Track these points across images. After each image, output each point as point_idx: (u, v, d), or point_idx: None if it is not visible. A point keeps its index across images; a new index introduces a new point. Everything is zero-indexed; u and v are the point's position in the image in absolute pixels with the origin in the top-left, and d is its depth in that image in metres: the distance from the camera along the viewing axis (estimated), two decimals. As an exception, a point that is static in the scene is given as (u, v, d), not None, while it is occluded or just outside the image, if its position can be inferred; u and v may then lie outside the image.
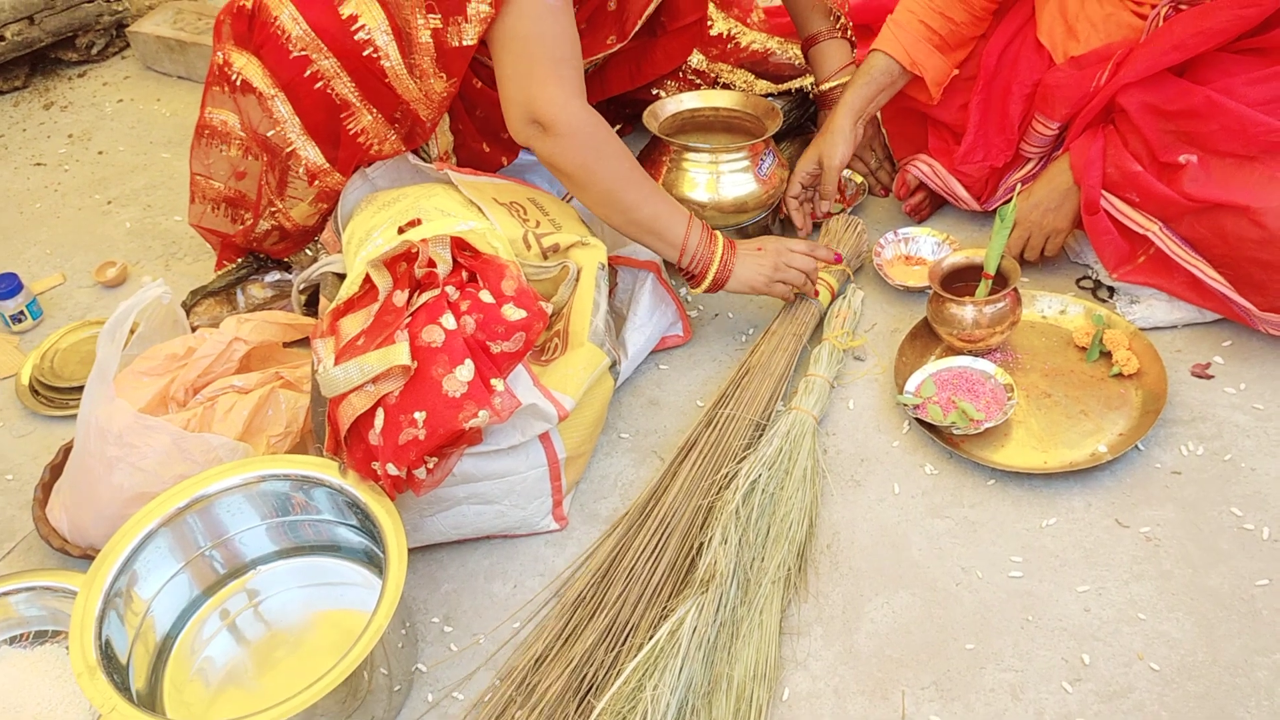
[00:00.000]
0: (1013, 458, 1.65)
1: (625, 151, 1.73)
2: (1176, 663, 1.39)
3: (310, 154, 1.86)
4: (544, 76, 1.66)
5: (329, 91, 1.79)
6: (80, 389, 1.91)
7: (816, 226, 2.15)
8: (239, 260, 2.07)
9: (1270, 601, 1.44)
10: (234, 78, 1.86)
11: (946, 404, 1.71)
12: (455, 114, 1.94)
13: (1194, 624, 1.43)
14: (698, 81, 2.26)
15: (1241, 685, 1.36)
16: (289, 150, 1.85)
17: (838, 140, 1.97)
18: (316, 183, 1.87)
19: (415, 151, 1.93)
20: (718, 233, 1.79)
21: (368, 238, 1.70)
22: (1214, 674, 1.37)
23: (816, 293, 1.89)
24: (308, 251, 2.03)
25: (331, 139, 1.85)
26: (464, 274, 1.55)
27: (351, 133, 1.83)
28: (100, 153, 2.74)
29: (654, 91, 2.25)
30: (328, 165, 1.87)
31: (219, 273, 2.07)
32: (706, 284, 1.79)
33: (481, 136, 2.01)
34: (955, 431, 1.68)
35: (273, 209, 1.93)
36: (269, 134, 1.85)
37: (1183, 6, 1.77)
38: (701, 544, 1.54)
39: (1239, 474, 1.60)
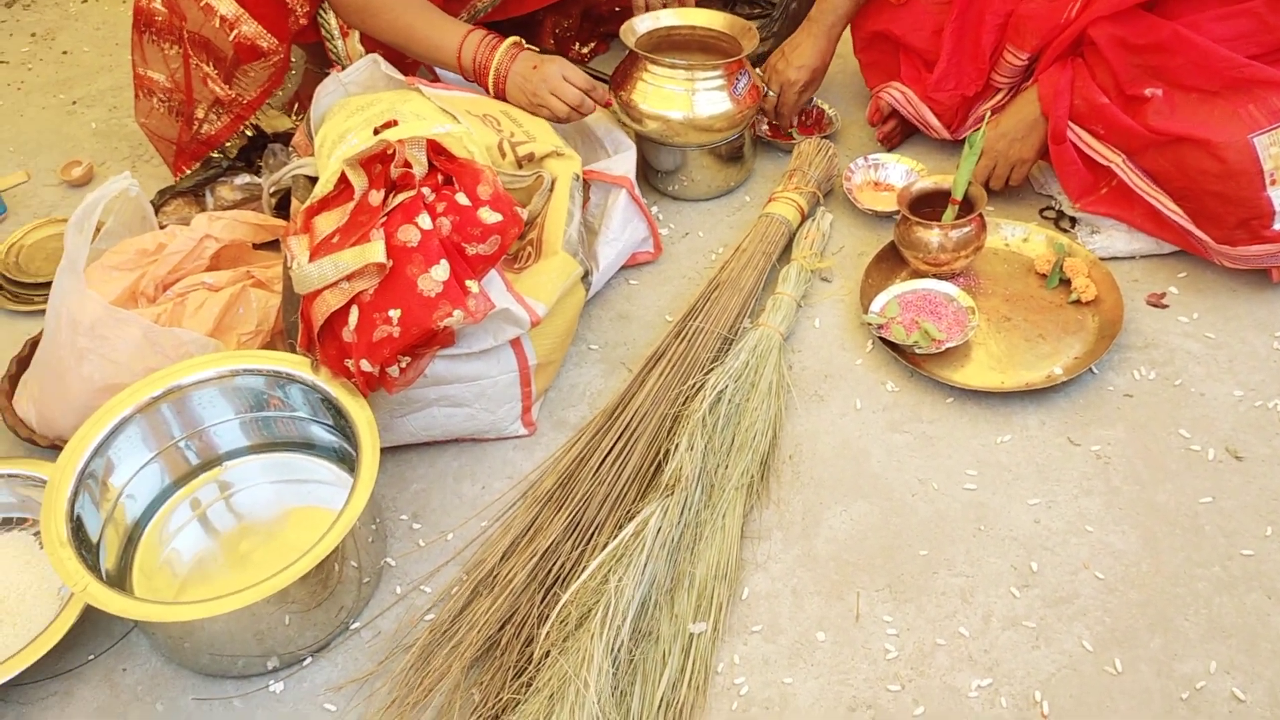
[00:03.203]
0: (971, 377, 1.69)
1: (391, 6, 1.85)
2: (1121, 573, 1.45)
3: (224, 6, 1.90)
4: None
5: None
6: (46, 285, 1.90)
7: (788, 151, 2.17)
8: (195, 165, 2.06)
9: (1213, 518, 1.50)
10: None
11: (910, 324, 1.75)
12: None
13: (1139, 537, 1.48)
14: None
15: (1182, 595, 1.42)
16: (204, 4, 1.89)
17: (818, 63, 2.08)
18: (235, 34, 1.90)
19: (319, 37, 2.02)
20: (500, 51, 1.83)
21: (342, 139, 1.69)
22: (1156, 584, 1.43)
23: (586, 113, 1.90)
24: (278, 155, 2.02)
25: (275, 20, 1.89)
26: (439, 177, 1.55)
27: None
28: (65, 52, 2.70)
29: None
30: (243, 11, 1.91)
31: (187, 173, 2.06)
32: (490, 89, 1.87)
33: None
34: (917, 351, 1.72)
35: (203, 76, 1.96)
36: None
37: (1156, -58, 1.80)
38: (667, 450, 1.57)
39: (1188, 398, 1.66)
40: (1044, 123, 1.89)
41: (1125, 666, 1.35)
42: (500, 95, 1.87)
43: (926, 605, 1.43)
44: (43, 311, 1.78)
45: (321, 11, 1.99)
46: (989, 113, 1.97)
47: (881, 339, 1.74)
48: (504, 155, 1.76)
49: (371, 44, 2.02)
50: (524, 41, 1.87)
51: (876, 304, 1.79)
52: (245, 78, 1.96)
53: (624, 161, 1.92)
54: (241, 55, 1.93)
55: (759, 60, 2.26)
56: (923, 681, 1.35)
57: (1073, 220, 1.95)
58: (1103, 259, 1.86)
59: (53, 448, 1.59)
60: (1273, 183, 1.67)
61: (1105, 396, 1.67)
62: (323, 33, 2.02)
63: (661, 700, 1.31)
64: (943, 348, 1.71)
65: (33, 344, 1.75)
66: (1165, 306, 1.80)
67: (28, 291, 1.95)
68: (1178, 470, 1.56)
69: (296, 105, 2.14)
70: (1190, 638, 1.37)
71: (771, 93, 2.11)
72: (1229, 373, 1.69)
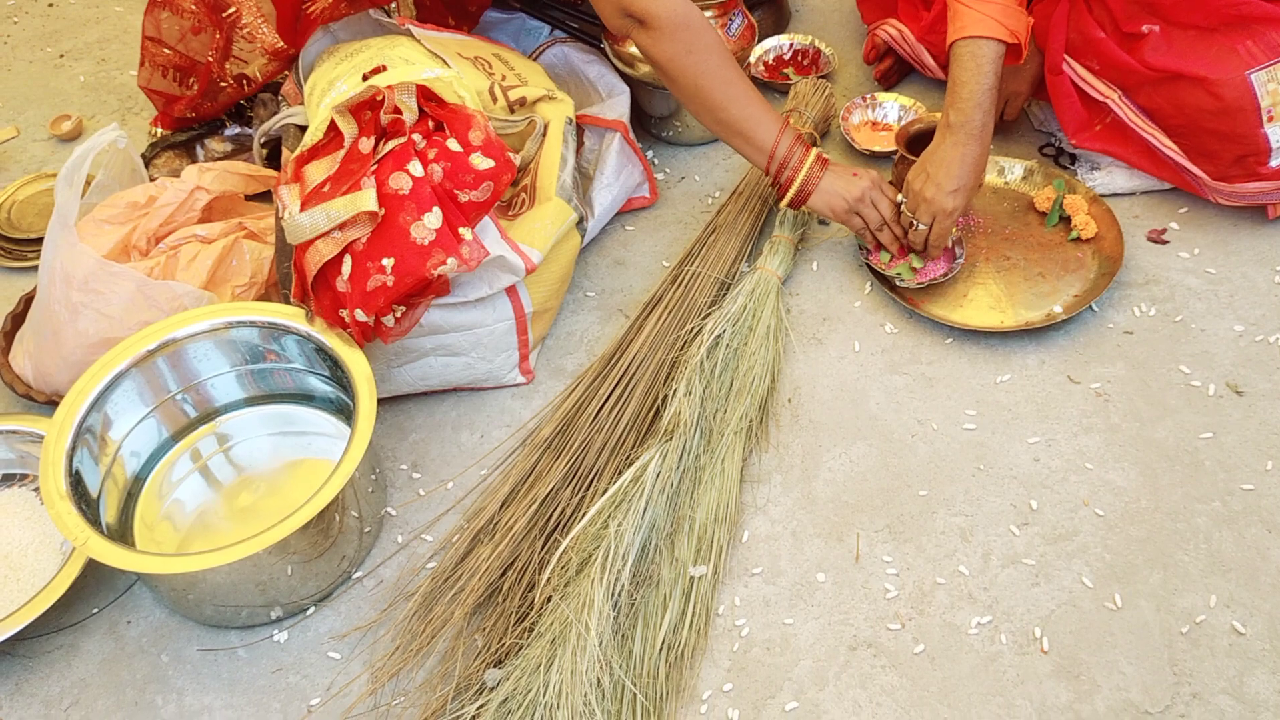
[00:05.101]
0: (971, 317, 1.69)
1: (721, 49, 1.63)
2: (1120, 509, 1.45)
3: (265, 33, 1.86)
4: None
5: None
6: (39, 240, 1.89)
7: (784, 92, 2.14)
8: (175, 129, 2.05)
9: (1212, 454, 1.50)
10: None
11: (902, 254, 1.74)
12: None
13: (1139, 473, 1.48)
14: None
15: (1181, 530, 1.42)
16: (245, 31, 1.85)
17: (973, 181, 1.65)
18: (267, 59, 1.89)
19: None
20: (814, 147, 1.70)
21: (331, 87, 1.67)
22: (1156, 520, 1.43)
23: (878, 246, 1.74)
24: (268, 105, 2.00)
25: (288, 23, 1.83)
26: (430, 123, 1.54)
27: (310, 15, 1.80)
28: (50, 5, 2.65)
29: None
30: (282, 45, 1.87)
31: (173, 130, 2.04)
32: (788, 199, 1.69)
33: (446, 9, 1.97)
34: (900, 282, 1.71)
35: (223, 83, 1.93)
36: (226, 14, 1.85)
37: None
38: (665, 396, 1.57)
39: (1189, 334, 1.65)
40: (1038, 54, 1.86)
41: (1125, 602, 1.35)
42: (800, 204, 1.70)
43: (926, 545, 1.43)
44: (36, 267, 1.77)
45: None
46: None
47: (868, 266, 1.74)
48: (495, 100, 1.73)
49: (425, 13, 1.97)
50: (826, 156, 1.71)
51: None
52: (260, 70, 1.93)
53: (618, 105, 1.90)
54: (267, 63, 1.91)
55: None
56: (923, 620, 1.36)
57: (1072, 157, 1.93)
58: (1103, 196, 1.84)
59: (50, 403, 1.59)
60: (1270, 119, 1.64)
61: (1105, 334, 1.66)
62: None
63: (663, 643, 1.32)
64: (925, 282, 1.70)
65: (27, 300, 1.74)
66: (1166, 243, 1.79)
67: (20, 247, 1.94)
68: (1178, 406, 1.56)
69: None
70: (1190, 572, 1.37)
71: (921, 224, 1.67)
72: (1229, 308, 1.68)
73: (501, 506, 1.46)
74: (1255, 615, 1.33)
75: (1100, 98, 1.82)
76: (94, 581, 1.44)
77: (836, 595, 1.39)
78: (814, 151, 1.69)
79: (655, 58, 1.64)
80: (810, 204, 1.70)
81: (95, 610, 1.43)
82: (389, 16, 1.86)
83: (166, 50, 1.97)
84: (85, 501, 1.35)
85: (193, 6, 1.91)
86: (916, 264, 1.71)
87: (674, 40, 1.61)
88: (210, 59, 1.91)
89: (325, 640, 1.39)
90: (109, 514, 1.42)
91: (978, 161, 1.63)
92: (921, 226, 1.67)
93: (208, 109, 2.00)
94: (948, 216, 1.64)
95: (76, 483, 1.35)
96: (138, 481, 1.51)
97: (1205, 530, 1.42)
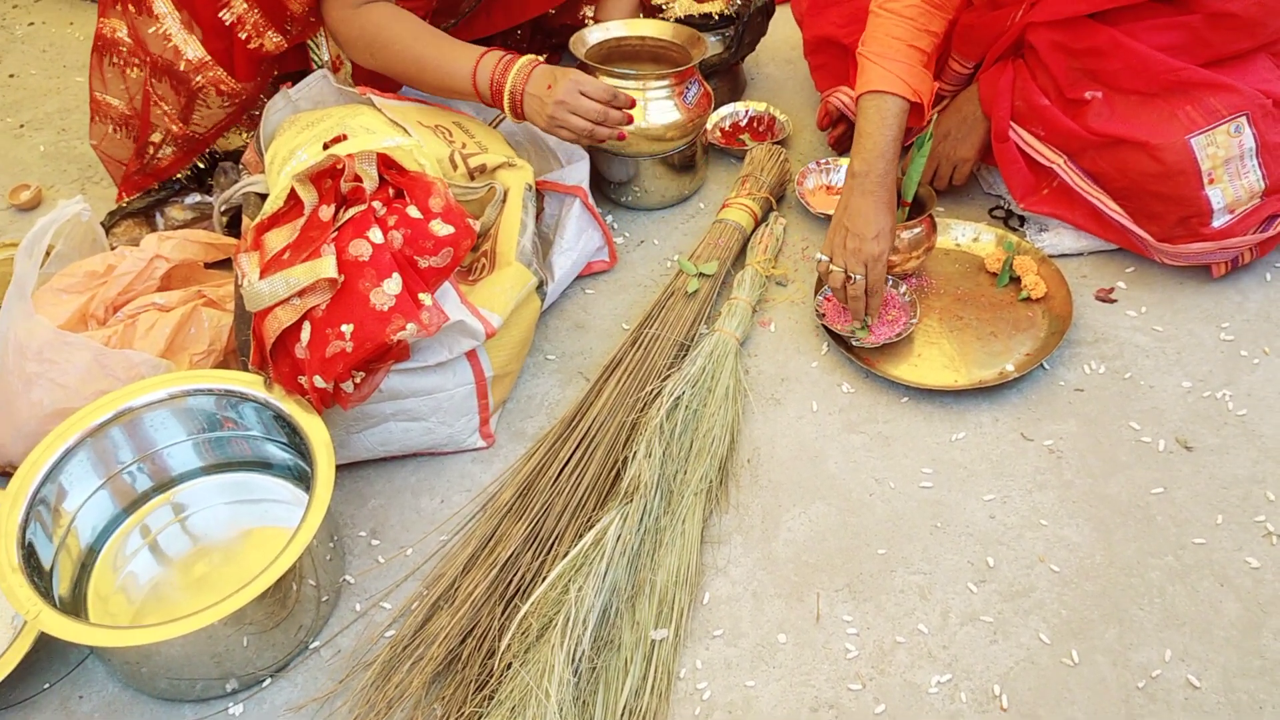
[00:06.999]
0: (925, 376, 1.71)
1: (403, 38, 1.79)
2: (1075, 565, 1.46)
3: (190, 50, 1.87)
4: None
5: None
6: (-5, 310, 1.88)
7: (740, 157, 2.18)
8: (138, 194, 2.05)
9: (1164, 508, 1.52)
10: None
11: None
12: None
13: (1093, 529, 1.50)
14: None
15: (1135, 585, 1.44)
16: (171, 46, 1.86)
17: (890, 223, 1.70)
18: (200, 78, 1.89)
19: (305, 66, 1.96)
20: (514, 70, 1.75)
21: (292, 155, 1.69)
22: (1110, 575, 1.45)
23: (617, 136, 1.80)
24: (229, 173, 2.01)
25: (209, 27, 1.85)
26: (391, 190, 1.55)
27: (227, 23, 1.84)
28: (11, 76, 2.67)
29: (582, 15, 2.25)
30: (209, 58, 1.87)
31: (135, 195, 2.04)
32: (505, 106, 1.78)
33: None
34: (855, 341, 1.74)
35: (161, 113, 1.94)
36: (149, 31, 1.86)
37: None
38: (626, 458, 1.58)
39: (1138, 391, 1.68)
40: (984, 121, 1.92)
41: (1082, 658, 1.36)
42: (519, 116, 1.79)
43: (886, 604, 1.44)
44: (-9, 337, 1.75)
45: (313, 46, 1.96)
46: (935, 114, 1.99)
47: (825, 328, 1.77)
48: (455, 167, 1.76)
49: (366, 75, 1.99)
50: (540, 58, 1.79)
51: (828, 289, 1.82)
52: (204, 114, 1.94)
53: (577, 171, 1.92)
54: (205, 95, 1.91)
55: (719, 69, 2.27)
56: (883, 680, 1.36)
57: (1021, 219, 1.98)
58: (1052, 256, 1.88)
59: (3, 475, 1.58)
60: (1210, 182, 1.70)
61: (1057, 391, 1.69)
62: (314, 66, 1.99)
63: (624, 708, 1.31)
64: (880, 341, 1.72)
65: (-18, 370, 1.73)
66: (1114, 301, 1.83)
67: (-24, 317, 1.92)
68: (1129, 462, 1.58)
69: (247, 121, 2.13)
70: (1145, 627, 1.39)
71: (856, 276, 1.70)
72: (1177, 364, 1.71)
73: (462, 572, 1.45)
74: (1209, 668, 1.34)
75: (1046, 163, 1.86)
76: (46, 656, 1.42)
77: (798, 656, 1.39)
78: (511, 81, 1.76)
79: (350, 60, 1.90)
80: (527, 116, 1.78)
81: (47, 685, 1.41)
82: (319, 55, 1.90)
83: (113, 101, 1.98)
84: (38, 574, 1.33)
85: (127, 40, 1.92)
86: (870, 320, 1.74)
87: (354, 49, 1.85)
88: (148, 90, 1.92)
89: (281, 713, 1.37)
90: (62, 586, 1.40)
91: (888, 206, 1.70)
92: (858, 279, 1.70)
93: (160, 167, 2.00)
94: (877, 261, 1.68)
95: (29, 555, 1.33)
96: (92, 553, 1.49)
97: (1159, 584, 1.44)
